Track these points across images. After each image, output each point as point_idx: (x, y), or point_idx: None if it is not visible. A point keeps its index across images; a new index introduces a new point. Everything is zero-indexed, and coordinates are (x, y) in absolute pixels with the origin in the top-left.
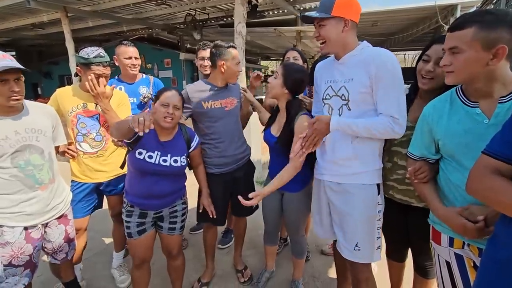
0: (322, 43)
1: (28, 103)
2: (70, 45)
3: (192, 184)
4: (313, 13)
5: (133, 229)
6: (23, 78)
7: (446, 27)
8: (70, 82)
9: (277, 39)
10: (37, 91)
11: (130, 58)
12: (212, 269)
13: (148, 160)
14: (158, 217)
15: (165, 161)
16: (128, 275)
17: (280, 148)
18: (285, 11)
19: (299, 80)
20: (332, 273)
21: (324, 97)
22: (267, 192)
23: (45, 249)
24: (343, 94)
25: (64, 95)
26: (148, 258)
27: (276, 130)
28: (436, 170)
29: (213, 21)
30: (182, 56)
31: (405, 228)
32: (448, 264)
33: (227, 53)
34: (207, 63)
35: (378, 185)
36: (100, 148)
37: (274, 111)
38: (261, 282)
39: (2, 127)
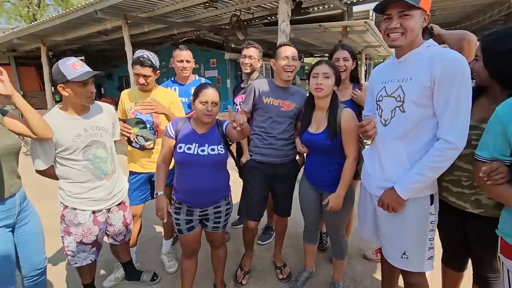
0: (401, 34)
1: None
2: (128, 49)
3: (233, 181)
4: None
5: (182, 226)
6: (92, 81)
7: None
8: (128, 83)
9: (321, 35)
10: (101, 91)
11: (182, 61)
12: (251, 256)
13: (187, 151)
14: (203, 216)
15: (202, 150)
16: (175, 261)
17: (323, 143)
18: (331, 6)
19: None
20: (375, 278)
21: (377, 99)
22: (340, 196)
23: (107, 232)
24: (398, 95)
25: (126, 94)
26: (196, 250)
27: (315, 128)
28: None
29: (257, 20)
30: (227, 56)
31: (464, 235)
32: None
33: (276, 52)
34: (248, 61)
35: (431, 195)
36: (152, 141)
37: (305, 113)
38: (299, 281)
39: (76, 126)
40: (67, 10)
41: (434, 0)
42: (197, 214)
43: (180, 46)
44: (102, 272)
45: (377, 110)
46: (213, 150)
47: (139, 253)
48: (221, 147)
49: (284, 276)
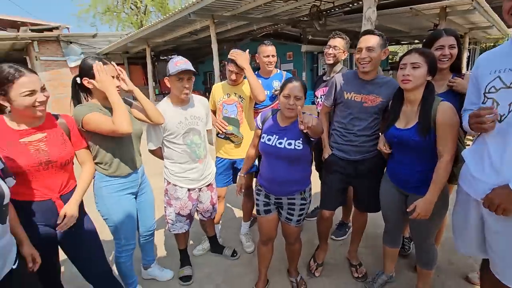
0: None
1: (192, 95)
2: (214, 46)
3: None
4: None
5: (261, 207)
6: (193, 78)
7: None
8: (211, 77)
9: (411, 20)
10: None
11: (268, 56)
12: (325, 250)
13: (267, 142)
14: (278, 203)
15: (280, 143)
16: (252, 242)
17: (413, 140)
18: None
19: (437, 63)
20: None
21: (487, 91)
22: (431, 202)
23: (197, 208)
24: None
25: (216, 88)
26: (272, 237)
27: (404, 123)
28: None
29: (337, 9)
30: (304, 48)
31: None
32: None
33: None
34: (332, 51)
35: None
36: (241, 141)
37: (393, 107)
38: (376, 283)
39: (178, 114)
40: (166, 15)
41: None
42: (273, 199)
43: (265, 41)
44: (192, 242)
45: (484, 103)
46: (290, 144)
47: (222, 230)
48: (299, 142)
49: (360, 275)
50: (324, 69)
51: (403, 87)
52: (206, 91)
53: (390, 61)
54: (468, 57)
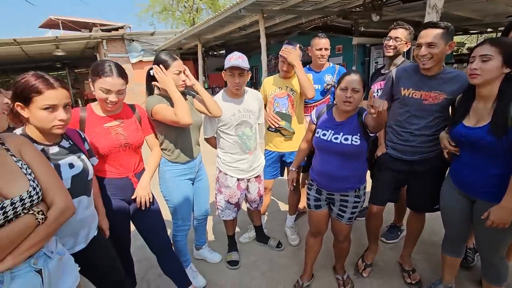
0: None
1: (247, 89)
2: (263, 40)
3: None
4: None
5: (311, 202)
6: (248, 74)
7: None
8: (258, 72)
9: (486, 5)
10: None
11: (321, 49)
12: (374, 251)
13: (322, 137)
14: (330, 199)
15: (336, 138)
16: (297, 236)
17: (486, 140)
18: None
19: None
20: None
21: None
22: (509, 209)
23: (245, 198)
24: None
25: (268, 81)
26: (322, 231)
27: (474, 121)
28: None
29: None
30: (355, 40)
31: None
32: None
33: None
34: (392, 43)
35: None
36: (292, 135)
37: (462, 102)
38: None
39: (233, 107)
40: (218, 12)
41: None
42: (324, 195)
43: (319, 34)
44: (239, 230)
45: None
46: (346, 139)
47: (267, 221)
48: (356, 138)
49: (413, 282)
50: (376, 62)
51: (471, 81)
52: (251, 86)
53: (454, 53)
54: None
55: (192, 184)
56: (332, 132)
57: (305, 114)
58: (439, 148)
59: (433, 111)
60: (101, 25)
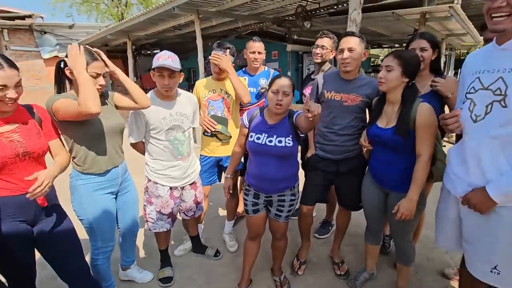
0: (507, 15)
1: (180, 92)
2: (199, 41)
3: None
4: None
5: (249, 207)
6: (180, 76)
7: None
8: (196, 74)
9: (393, 24)
10: None
11: (254, 52)
12: (307, 247)
13: (256, 141)
14: (268, 201)
15: (270, 141)
16: (235, 241)
17: (393, 140)
18: None
19: (418, 64)
20: None
21: (468, 91)
22: (414, 200)
23: (180, 207)
24: (498, 88)
25: (200, 84)
26: (260, 233)
27: (385, 122)
28: None
29: (323, 10)
30: (289, 47)
31: None
32: None
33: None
34: (319, 51)
35: None
36: (228, 140)
37: (377, 105)
38: (358, 281)
39: (163, 110)
40: (150, 8)
41: None
42: (262, 198)
43: (254, 37)
44: (173, 242)
45: (463, 103)
46: (280, 142)
47: (205, 229)
48: (289, 139)
49: (342, 273)
50: (309, 69)
51: (379, 88)
52: (189, 89)
53: (372, 64)
54: (444, 62)
55: (115, 198)
56: (266, 135)
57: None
58: (360, 147)
59: (352, 111)
60: (2, 11)
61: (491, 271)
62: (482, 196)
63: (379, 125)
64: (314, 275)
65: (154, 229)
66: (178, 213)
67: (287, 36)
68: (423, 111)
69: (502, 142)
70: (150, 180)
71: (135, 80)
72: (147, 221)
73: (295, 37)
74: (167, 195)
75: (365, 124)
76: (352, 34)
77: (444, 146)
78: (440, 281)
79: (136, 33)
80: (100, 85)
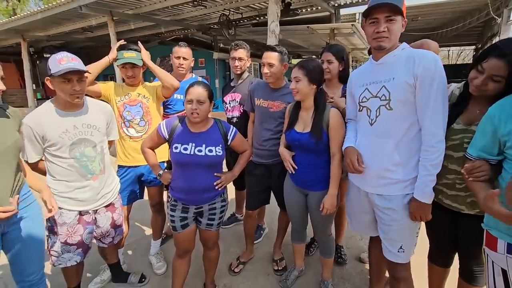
0: (386, 37)
1: (88, 100)
2: (114, 46)
3: None
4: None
5: (177, 223)
6: (85, 79)
7: (499, 20)
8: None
9: (309, 37)
10: None
11: (179, 58)
12: (251, 251)
13: (183, 152)
14: (198, 212)
15: (200, 151)
16: (164, 262)
17: (310, 143)
18: (319, 8)
19: (321, 71)
20: (363, 275)
21: (360, 101)
22: (334, 195)
23: (94, 233)
24: (383, 95)
25: (110, 87)
26: (190, 249)
27: (302, 127)
28: (495, 172)
29: (246, 20)
30: (216, 55)
31: (453, 232)
32: (504, 272)
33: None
34: (238, 63)
35: None
36: (144, 132)
37: (293, 111)
38: (289, 280)
39: (65, 122)
40: (50, 4)
41: (418, 6)
42: (192, 211)
43: (180, 43)
44: (88, 274)
45: (360, 111)
46: (210, 151)
47: (127, 254)
48: (219, 148)
49: (280, 268)
50: None
51: (294, 98)
52: None
53: None
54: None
55: (1, 237)
56: (194, 144)
57: None
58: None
59: (276, 117)
60: None
61: (398, 251)
62: (419, 206)
63: (297, 130)
64: (247, 282)
65: (60, 264)
66: (92, 241)
67: (213, 44)
68: (334, 115)
69: (393, 140)
70: None
71: (34, 88)
72: (51, 255)
73: (221, 45)
74: (75, 221)
75: None
76: (272, 49)
77: None
78: (357, 265)
79: (34, 33)
80: None
